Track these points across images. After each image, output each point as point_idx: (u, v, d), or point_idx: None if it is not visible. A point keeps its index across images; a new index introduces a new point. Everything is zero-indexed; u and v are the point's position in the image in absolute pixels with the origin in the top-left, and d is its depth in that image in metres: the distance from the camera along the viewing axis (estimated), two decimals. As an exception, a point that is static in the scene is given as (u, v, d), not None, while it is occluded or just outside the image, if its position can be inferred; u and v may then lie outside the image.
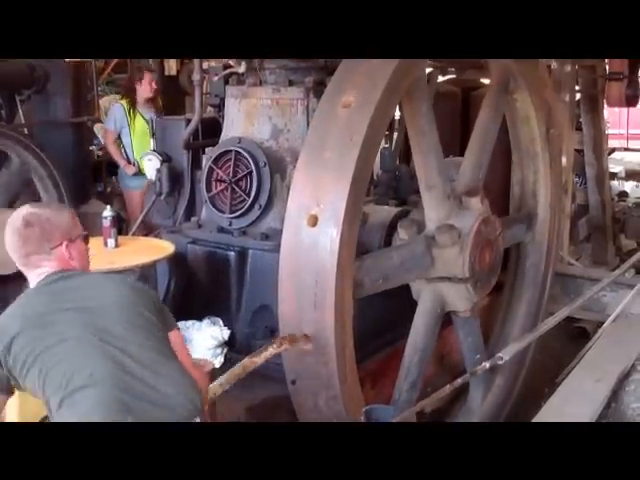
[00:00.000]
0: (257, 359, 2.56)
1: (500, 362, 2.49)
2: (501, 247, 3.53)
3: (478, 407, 3.71)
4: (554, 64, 5.57)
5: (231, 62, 3.61)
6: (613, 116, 12.46)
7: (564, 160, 5.00)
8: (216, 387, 2.50)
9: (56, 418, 1.95)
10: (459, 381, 2.68)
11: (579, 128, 6.74)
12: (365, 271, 2.85)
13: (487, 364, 2.39)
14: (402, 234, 3.21)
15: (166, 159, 4.10)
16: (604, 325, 4.40)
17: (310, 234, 2.59)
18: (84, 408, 1.92)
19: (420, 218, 3.20)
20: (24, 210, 2.20)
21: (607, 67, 6.55)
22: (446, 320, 3.47)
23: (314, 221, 2.58)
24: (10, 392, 2.15)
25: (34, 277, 2.19)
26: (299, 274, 2.64)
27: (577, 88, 6.32)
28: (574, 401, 3.34)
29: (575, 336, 5.03)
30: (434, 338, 3.31)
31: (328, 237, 2.56)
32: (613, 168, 8.97)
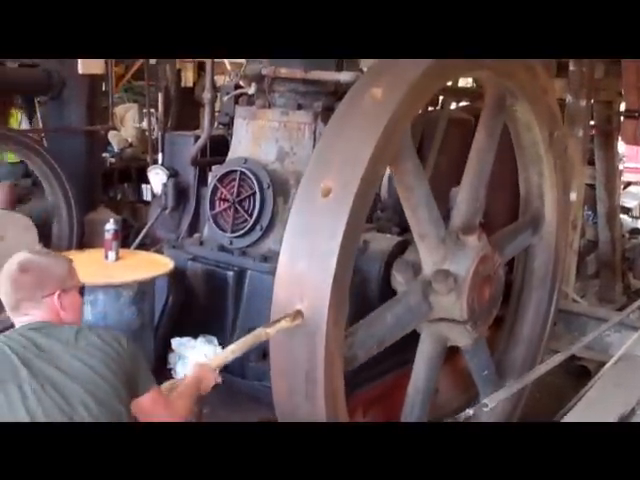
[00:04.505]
0: (270, 330, 2.53)
1: (485, 409, 2.44)
2: (501, 276, 3.48)
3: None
4: (569, 98, 5.55)
5: (241, 83, 3.62)
6: (630, 150, 12.39)
7: (573, 196, 4.96)
8: (227, 353, 2.55)
9: None
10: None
11: (592, 162, 6.70)
12: (358, 345, 2.83)
13: (470, 411, 2.34)
14: (398, 278, 3.19)
15: (173, 174, 4.11)
16: (606, 366, 4.34)
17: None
18: None
19: (417, 257, 3.17)
20: (22, 256, 2.18)
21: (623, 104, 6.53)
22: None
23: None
24: None
25: (18, 325, 2.17)
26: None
27: (592, 123, 6.29)
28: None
29: (576, 374, 4.97)
30: (435, 377, 3.29)
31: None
32: (627, 203, 8.90)
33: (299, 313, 2.52)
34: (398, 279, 3.20)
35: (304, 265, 2.57)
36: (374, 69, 2.90)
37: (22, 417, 1.95)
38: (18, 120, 6.68)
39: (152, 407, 2.23)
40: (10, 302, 2.16)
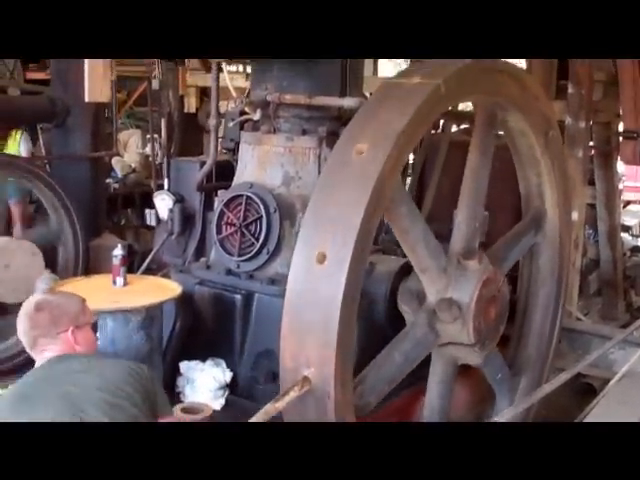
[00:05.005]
0: (279, 404, 2.53)
1: (495, 426, 2.48)
2: (506, 292, 3.50)
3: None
4: (568, 120, 5.62)
5: (247, 109, 3.68)
6: (630, 169, 12.45)
7: (575, 215, 5.00)
8: None
9: None
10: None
11: (592, 182, 6.75)
12: (369, 392, 2.84)
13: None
14: (404, 308, 3.22)
15: (179, 199, 4.15)
16: (610, 384, 4.36)
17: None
18: None
19: (420, 285, 3.17)
20: (37, 297, 2.38)
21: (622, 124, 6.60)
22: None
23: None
24: None
25: (39, 360, 2.31)
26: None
27: (591, 144, 6.35)
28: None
29: (581, 392, 4.98)
30: (449, 396, 3.31)
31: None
32: (628, 221, 8.95)
33: (306, 380, 2.54)
34: (404, 309, 3.23)
35: (307, 332, 2.56)
36: (358, 121, 2.81)
37: None
38: (17, 140, 6.72)
39: None
40: (28, 340, 2.32)
